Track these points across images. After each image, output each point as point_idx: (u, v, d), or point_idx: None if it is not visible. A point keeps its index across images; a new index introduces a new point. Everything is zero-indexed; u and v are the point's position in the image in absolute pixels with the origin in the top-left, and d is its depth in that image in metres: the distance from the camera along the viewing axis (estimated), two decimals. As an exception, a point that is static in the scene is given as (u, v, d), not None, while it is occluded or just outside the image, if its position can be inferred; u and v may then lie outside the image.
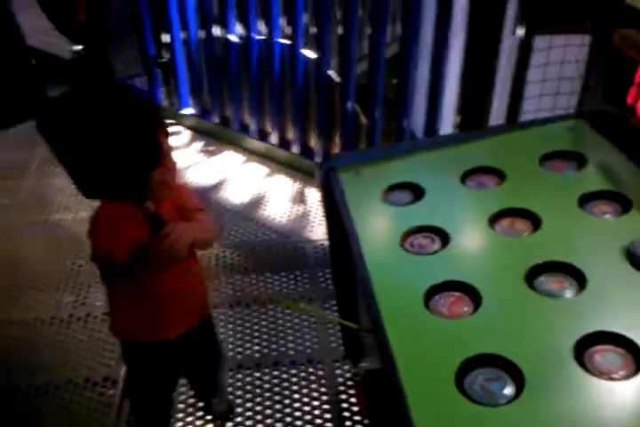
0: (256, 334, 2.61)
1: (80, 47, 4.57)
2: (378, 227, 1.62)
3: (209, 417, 2.26)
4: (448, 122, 2.84)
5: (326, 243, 3.19)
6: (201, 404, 2.28)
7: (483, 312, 1.30)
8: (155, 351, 1.77)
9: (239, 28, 3.61)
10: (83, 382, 2.42)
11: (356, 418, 2.26)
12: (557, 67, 2.51)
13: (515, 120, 2.65)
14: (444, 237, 1.51)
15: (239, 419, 2.24)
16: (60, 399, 2.36)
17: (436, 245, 1.51)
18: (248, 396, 2.34)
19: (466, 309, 1.33)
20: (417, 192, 1.68)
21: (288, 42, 3.35)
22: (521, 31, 2.29)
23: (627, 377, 1.14)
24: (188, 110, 4.22)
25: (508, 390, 1.15)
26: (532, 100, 2.71)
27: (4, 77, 4.22)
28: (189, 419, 2.26)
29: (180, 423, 2.24)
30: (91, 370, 2.48)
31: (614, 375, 1.14)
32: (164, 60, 4.07)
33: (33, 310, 2.78)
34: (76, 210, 3.45)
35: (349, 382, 2.40)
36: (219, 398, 2.21)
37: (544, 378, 1.15)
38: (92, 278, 2.93)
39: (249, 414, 2.28)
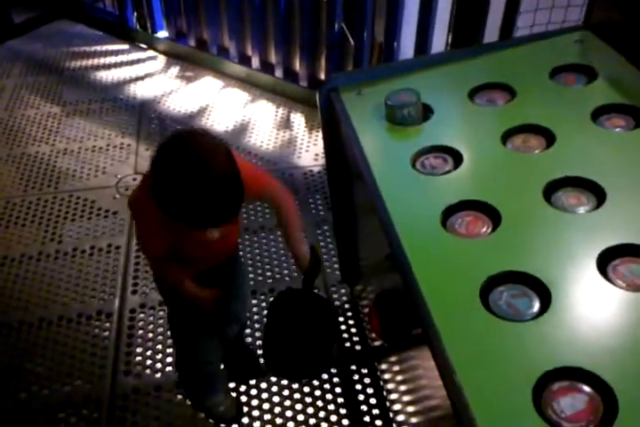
0: (250, 262, 2.60)
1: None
2: (386, 148, 1.57)
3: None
4: (440, 40, 2.74)
5: (315, 169, 3.16)
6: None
7: (503, 230, 1.28)
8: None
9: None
10: (76, 317, 2.40)
11: (355, 339, 2.30)
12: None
13: (509, 36, 2.57)
14: (457, 157, 1.48)
15: (248, 340, 2.27)
16: (56, 334, 2.34)
17: (449, 165, 1.47)
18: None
19: (484, 227, 1.32)
20: (424, 111, 1.62)
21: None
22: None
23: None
24: (162, 33, 4.02)
25: (534, 306, 1.16)
26: (525, 15, 2.62)
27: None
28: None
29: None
30: (83, 304, 2.45)
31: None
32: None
33: (19, 246, 2.72)
34: (52, 142, 3.33)
35: (346, 305, 2.43)
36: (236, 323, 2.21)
37: (569, 293, 1.16)
38: (77, 213, 2.86)
39: (258, 334, 2.31)
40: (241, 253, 2.59)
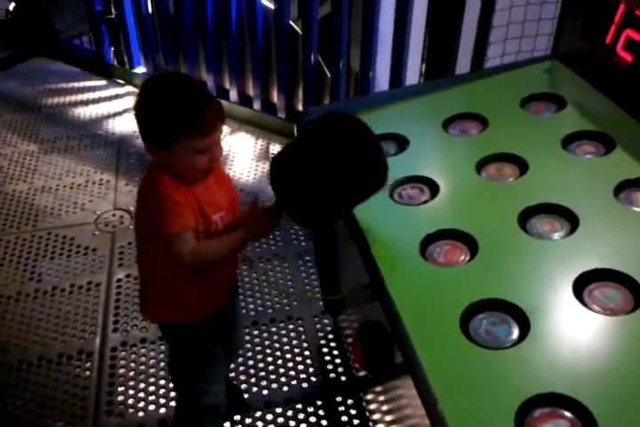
0: (248, 292, 2.58)
1: (13, 5, 4.31)
2: (363, 179, 1.59)
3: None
4: (414, 70, 2.79)
5: (296, 200, 3.17)
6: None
7: (480, 258, 1.30)
8: (198, 328, 1.69)
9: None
10: (57, 358, 2.36)
11: (340, 370, 2.28)
12: (522, 9, 2.49)
13: (480, 66, 2.63)
14: (433, 187, 1.50)
15: (232, 374, 2.24)
16: (36, 376, 2.29)
17: (426, 195, 1.49)
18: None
19: (462, 256, 1.33)
20: (400, 142, 1.65)
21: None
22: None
23: (627, 312, 1.16)
24: (140, 69, 4.04)
25: (514, 333, 1.16)
26: (495, 45, 2.69)
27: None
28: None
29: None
30: (64, 344, 2.41)
31: (615, 310, 1.16)
32: (111, 16, 3.87)
33: (-2, 286, 2.68)
34: (30, 180, 3.31)
35: (330, 336, 2.42)
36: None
37: (547, 318, 1.17)
38: (56, 251, 2.84)
39: (242, 368, 2.28)
40: (240, 283, 2.57)
